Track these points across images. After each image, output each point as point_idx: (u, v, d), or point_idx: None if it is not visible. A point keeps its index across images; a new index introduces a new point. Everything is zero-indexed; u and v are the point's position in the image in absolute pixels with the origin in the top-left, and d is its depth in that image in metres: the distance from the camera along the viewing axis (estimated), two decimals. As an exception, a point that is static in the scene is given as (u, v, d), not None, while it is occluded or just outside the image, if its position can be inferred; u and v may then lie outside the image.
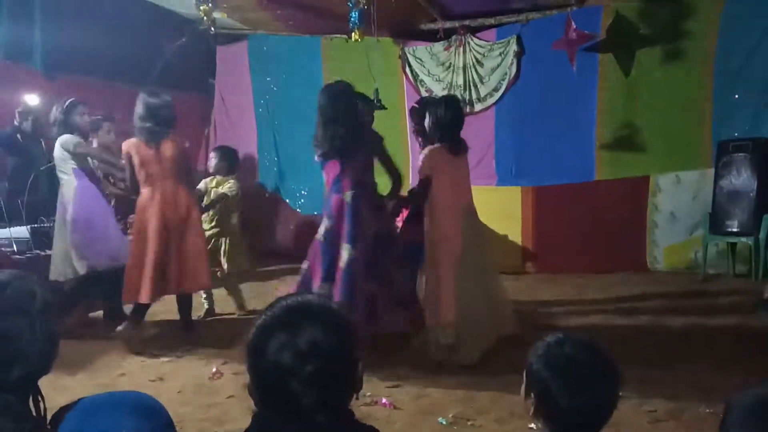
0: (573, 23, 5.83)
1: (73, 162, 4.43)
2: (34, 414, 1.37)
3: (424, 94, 6.63)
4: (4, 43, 5.42)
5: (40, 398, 1.38)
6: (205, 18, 5.49)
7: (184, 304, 4.37)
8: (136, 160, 4.05)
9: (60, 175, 4.50)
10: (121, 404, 1.08)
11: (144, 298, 4.01)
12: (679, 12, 5.84)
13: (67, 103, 4.47)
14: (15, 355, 1.31)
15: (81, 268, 4.38)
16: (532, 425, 2.68)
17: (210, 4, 5.40)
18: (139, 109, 4.06)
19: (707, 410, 2.88)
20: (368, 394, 3.11)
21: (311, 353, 1.10)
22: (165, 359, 3.92)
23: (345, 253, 3.57)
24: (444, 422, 2.88)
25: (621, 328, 4.30)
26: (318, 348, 1.10)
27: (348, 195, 3.65)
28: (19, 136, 5.63)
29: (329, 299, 1.24)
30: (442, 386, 3.34)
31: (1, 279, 1.38)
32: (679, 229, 6.14)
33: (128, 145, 4.10)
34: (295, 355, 1.09)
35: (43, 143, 5.81)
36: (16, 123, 5.63)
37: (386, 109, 5.68)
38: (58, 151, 4.46)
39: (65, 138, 4.42)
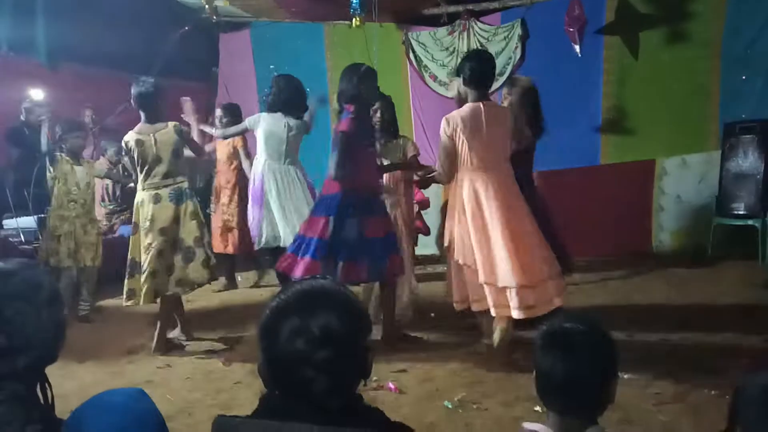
0: (577, 5, 5.77)
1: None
2: (42, 402, 1.38)
3: (428, 79, 6.58)
4: (7, 35, 5.42)
5: (47, 386, 1.39)
6: (207, 6, 5.47)
7: None
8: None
9: None
10: (110, 411, 1.07)
11: None
12: (685, -7, 5.79)
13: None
14: (22, 344, 1.32)
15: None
16: (538, 408, 2.72)
17: (212, -8, 5.39)
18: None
19: (712, 392, 2.88)
20: (374, 378, 3.12)
21: (325, 339, 1.10)
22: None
23: None
24: (450, 406, 2.88)
25: (626, 311, 4.30)
26: (332, 334, 1.10)
27: None
28: (25, 129, 5.64)
29: (342, 285, 1.25)
30: (448, 370, 3.35)
31: (9, 268, 1.38)
32: (686, 212, 6.11)
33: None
34: (308, 340, 1.09)
35: (47, 135, 5.82)
36: (22, 119, 5.64)
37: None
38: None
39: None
